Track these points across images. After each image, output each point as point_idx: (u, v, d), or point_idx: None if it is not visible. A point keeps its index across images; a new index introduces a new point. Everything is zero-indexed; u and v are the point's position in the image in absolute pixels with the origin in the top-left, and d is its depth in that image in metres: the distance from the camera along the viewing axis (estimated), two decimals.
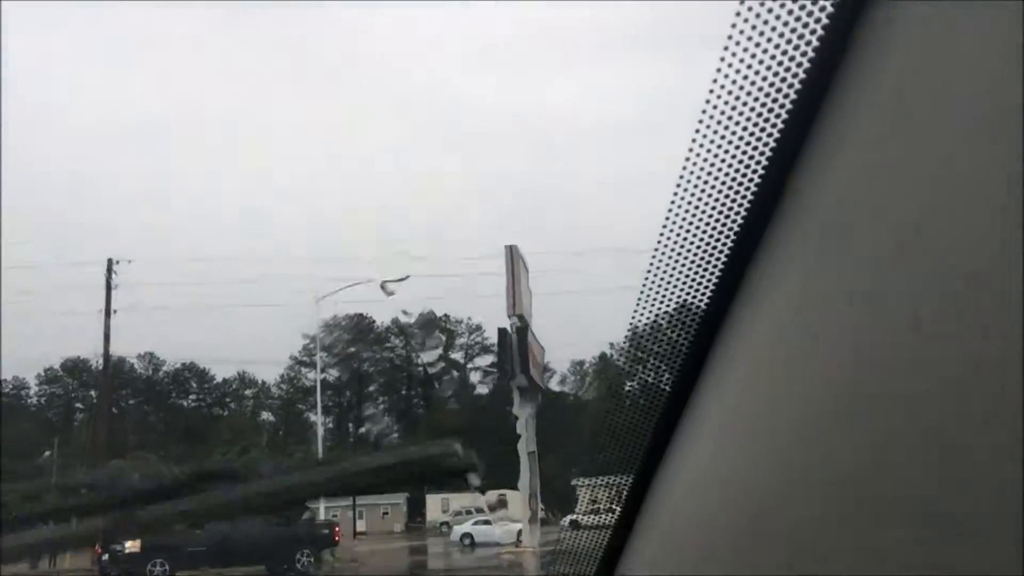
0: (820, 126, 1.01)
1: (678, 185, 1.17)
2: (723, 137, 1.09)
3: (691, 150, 1.12)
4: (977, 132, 0.71)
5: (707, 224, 1.23)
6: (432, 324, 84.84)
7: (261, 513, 24.63)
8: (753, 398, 1.16)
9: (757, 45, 1.03)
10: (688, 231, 1.26)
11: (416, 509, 72.51)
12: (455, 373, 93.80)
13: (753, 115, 1.07)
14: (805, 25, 0.99)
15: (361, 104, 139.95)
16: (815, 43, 0.99)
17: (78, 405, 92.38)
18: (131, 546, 23.51)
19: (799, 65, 1.02)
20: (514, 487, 63.65)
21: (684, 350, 1.44)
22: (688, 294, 1.33)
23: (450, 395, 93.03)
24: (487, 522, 44.13)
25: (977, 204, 0.70)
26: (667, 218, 1.25)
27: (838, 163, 0.97)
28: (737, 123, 1.07)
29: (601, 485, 1.86)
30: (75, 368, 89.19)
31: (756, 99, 1.06)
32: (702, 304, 1.32)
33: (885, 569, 0.83)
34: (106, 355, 36.93)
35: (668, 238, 1.27)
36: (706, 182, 1.16)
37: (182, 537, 23.95)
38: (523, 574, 26.36)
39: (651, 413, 1.65)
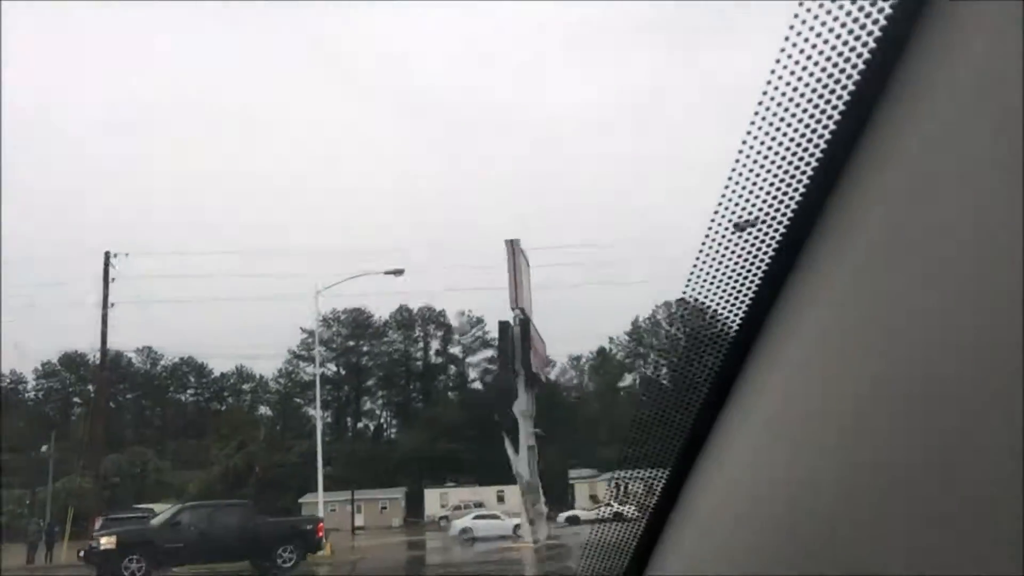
0: (872, 133, 0.99)
1: (729, 178, 1.17)
2: (773, 139, 1.11)
3: (740, 152, 1.15)
4: None
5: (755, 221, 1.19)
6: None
7: None
8: (796, 397, 1.14)
9: (813, 47, 1.01)
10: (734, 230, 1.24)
11: (414, 504, 72.49)
12: (454, 367, 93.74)
13: (803, 121, 1.06)
14: (862, 26, 0.96)
15: (361, 99, 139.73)
16: (871, 44, 0.96)
17: (76, 399, 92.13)
18: (106, 543, 23.13)
19: (853, 67, 0.99)
20: (512, 482, 63.89)
21: (726, 347, 1.38)
22: (733, 292, 1.30)
23: (449, 389, 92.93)
24: (487, 516, 43.93)
25: None
26: (715, 211, 1.21)
27: (889, 171, 0.95)
28: (789, 124, 1.09)
29: (634, 479, 1.75)
30: (73, 362, 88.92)
31: (804, 110, 1.05)
32: (746, 302, 1.28)
33: (926, 570, 0.85)
34: (103, 349, 36.58)
35: (715, 231, 1.24)
36: (758, 175, 1.16)
37: (158, 533, 23.72)
38: (523, 570, 26.12)
39: (689, 408, 1.54)
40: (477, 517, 43.98)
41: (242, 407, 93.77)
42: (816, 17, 0.98)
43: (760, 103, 1.07)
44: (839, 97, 1.02)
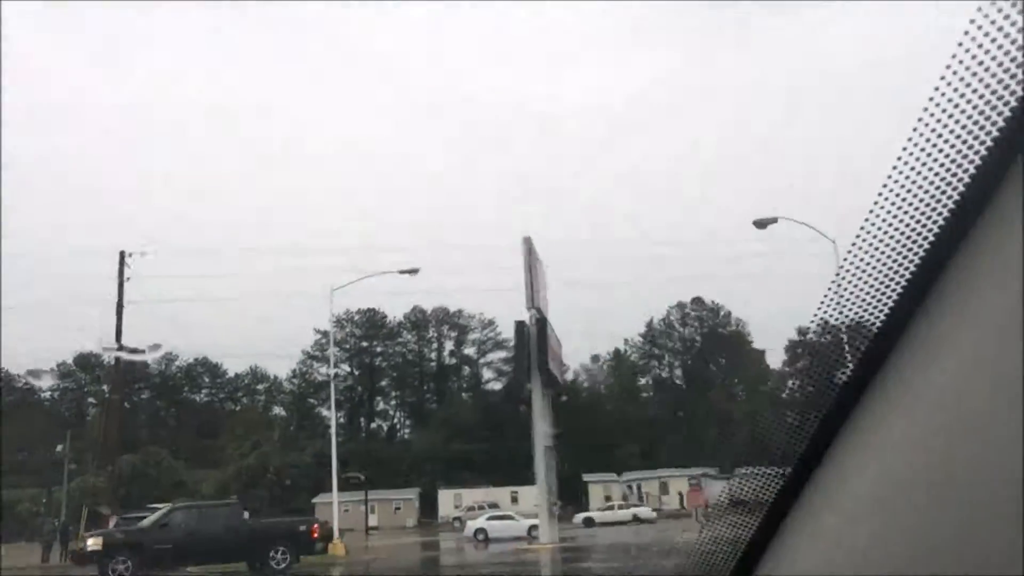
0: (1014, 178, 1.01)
1: (888, 177, 1.20)
2: (923, 164, 1.15)
3: (900, 155, 1.18)
4: None
5: (905, 227, 1.23)
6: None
7: None
8: (930, 405, 1.17)
9: (967, 85, 1.02)
10: (885, 236, 1.27)
11: (428, 504, 72.27)
12: (467, 368, 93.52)
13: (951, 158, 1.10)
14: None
15: (377, 99, 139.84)
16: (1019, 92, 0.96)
17: (91, 400, 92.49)
18: (93, 544, 22.77)
19: (999, 114, 1.00)
20: (526, 483, 63.62)
21: (860, 356, 1.39)
22: (873, 299, 1.32)
23: (463, 390, 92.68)
24: (501, 517, 43.62)
25: None
26: (862, 227, 1.26)
27: None
28: (936, 160, 1.11)
29: (749, 479, 1.78)
30: (87, 362, 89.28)
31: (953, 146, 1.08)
32: (884, 311, 1.31)
33: None
34: (118, 347, 36.54)
35: (864, 240, 1.28)
36: (915, 182, 1.20)
37: (146, 534, 23.30)
38: (540, 571, 25.79)
39: (815, 412, 1.55)
40: (491, 518, 43.69)
41: (256, 407, 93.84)
42: (974, 56, 0.98)
43: (909, 138, 1.09)
44: (987, 133, 1.03)
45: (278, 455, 70.92)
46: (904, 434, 1.21)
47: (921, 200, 1.16)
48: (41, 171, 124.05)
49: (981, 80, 0.98)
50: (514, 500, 65.34)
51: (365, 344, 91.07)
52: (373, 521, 64.28)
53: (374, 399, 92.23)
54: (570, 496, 59.44)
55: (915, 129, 1.10)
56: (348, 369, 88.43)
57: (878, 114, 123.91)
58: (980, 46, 0.98)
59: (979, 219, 1.08)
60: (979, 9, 1.05)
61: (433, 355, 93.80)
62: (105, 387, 77.90)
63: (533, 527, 37.61)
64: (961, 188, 1.09)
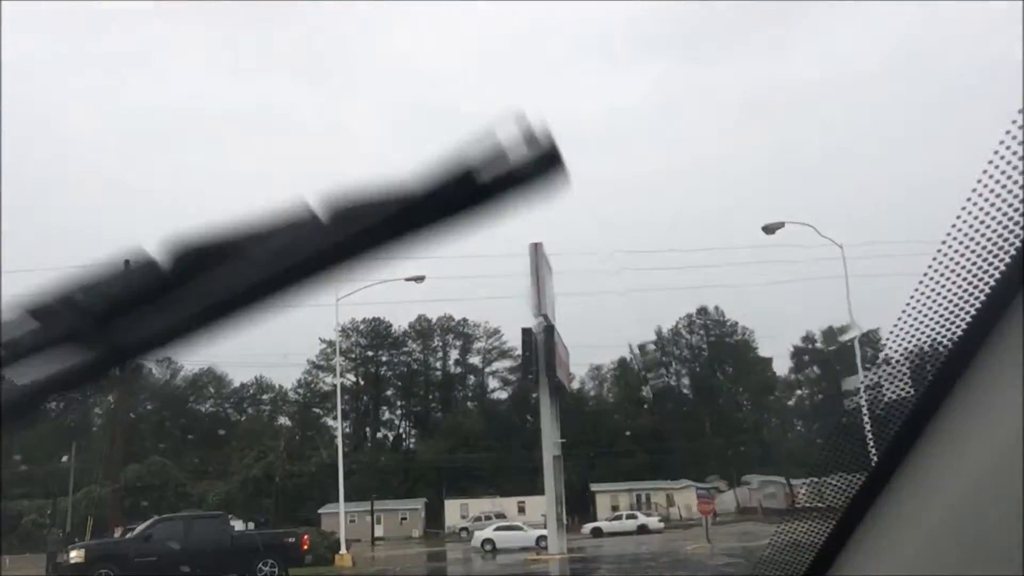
0: None
1: (984, 173, 1.21)
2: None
3: (990, 160, 1.21)
4: None
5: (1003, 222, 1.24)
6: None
7: None
8: (1016, 409, 1.19)
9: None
10: (982, 227, 1.26)
11: (434, 514, 71.85)
12: (473, 377, 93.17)
13: None
14: None
15: (380, 103, 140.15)
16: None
17: (96, 411, 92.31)
18: (75, 556, 22.33)
19: None
20: (533, 492, 63.23)
21: (941, 363, 1.39)
22: (958, 305, 1.33)
23: (468, 399, 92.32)
24: (509, 527, 43.25)
25: None
26: (949, 232, 1.27)
27: None
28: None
29: (825, 482, 1.73)
30: None
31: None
32: (967, 319, 1.32)
33: None
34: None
35: (955, 237, 1.28)
36: (1004, 186, 1.23)
37: (129, 547, 22.92)
38: None
39: (894, 417, 1.53)
40: (499, 528, 43.31)
41: (262, 417, 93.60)
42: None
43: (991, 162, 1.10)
44: None
45: (284, 465, 70.65)
46: (987, 442, 1.21)
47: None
48: (41, 177, 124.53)
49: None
50: (521, 510, 64.92)
51: (370, 353, 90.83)
52: (379, 532, 63.89)
53: (379, 409, 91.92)
54: (577, 506, 59.03)
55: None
56: (353, 379, 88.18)
57: (883, 118, 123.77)
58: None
59: None
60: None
61: (438, 364, 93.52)
62: (110, 398, 77.81)
63: (541, 537, 37.24)
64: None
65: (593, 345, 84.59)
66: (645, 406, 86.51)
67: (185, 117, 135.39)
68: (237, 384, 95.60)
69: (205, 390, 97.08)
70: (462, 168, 0.93)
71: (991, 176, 1.10)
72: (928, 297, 1.33)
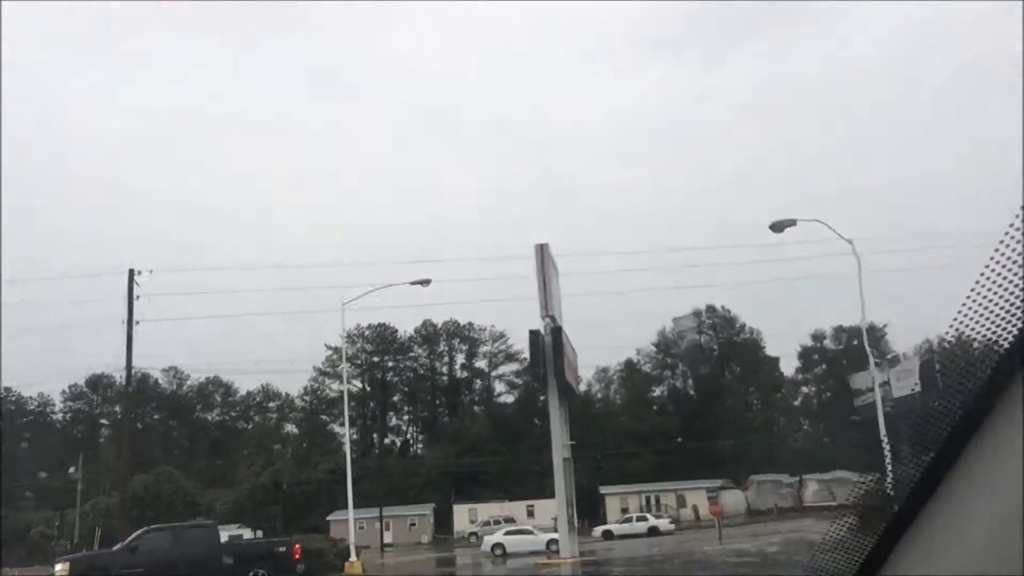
0: None
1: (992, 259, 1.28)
2: None
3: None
4: None
5: None
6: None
7: None
8: None
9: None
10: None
11: (443, 519, 71.52)
12: (479, 381, 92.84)
13: None
14: None
15: (385, 110, 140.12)
16: None
17: (103, 421, 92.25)
18: (60, 569, 21.93)
19: None
20: (542, 496, 62.84)
21: (992, 366, 1.46)
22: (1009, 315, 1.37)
23: (475, 403, 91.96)
24: (519, 531, 42.92)
25: None
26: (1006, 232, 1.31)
27: None
28: None
29: (876, 484, 2.03)
30: (99, 383, 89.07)
31: None
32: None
33: None
34: (128, 367, 36.09)
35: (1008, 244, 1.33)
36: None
37: (116, 558, 22.44)
38: None
39: (950, 420, 1.60)
40: (509, 532, 42.97)
41: (268, 425, 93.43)
42: None
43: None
44: None
45: (291, 473, 70.44)
46: None
47: None
48: (49, 189, 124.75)
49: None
50: (530, 514, 64.59)
51: (376, 359, 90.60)
52: (388, 538, 63.57)
53: (386, 414, 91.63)
54: (586, 509, 58.65)
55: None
56: (360, 385, 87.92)
57: (889, 118, 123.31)
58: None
59: None
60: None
61: (445, 369, 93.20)
62: (117, 408, 77.69)
63: (552, 541, 36.91)
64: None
65: (598, 347, 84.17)
66: (654, 407, 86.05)
67: (185, 119, 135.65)
68: (244, 392, 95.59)
69: (212, 399, 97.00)
70: None
71: (996, 262, 1.16)
72: (983, 297, 1.32)
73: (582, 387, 66.67)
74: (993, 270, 1.23)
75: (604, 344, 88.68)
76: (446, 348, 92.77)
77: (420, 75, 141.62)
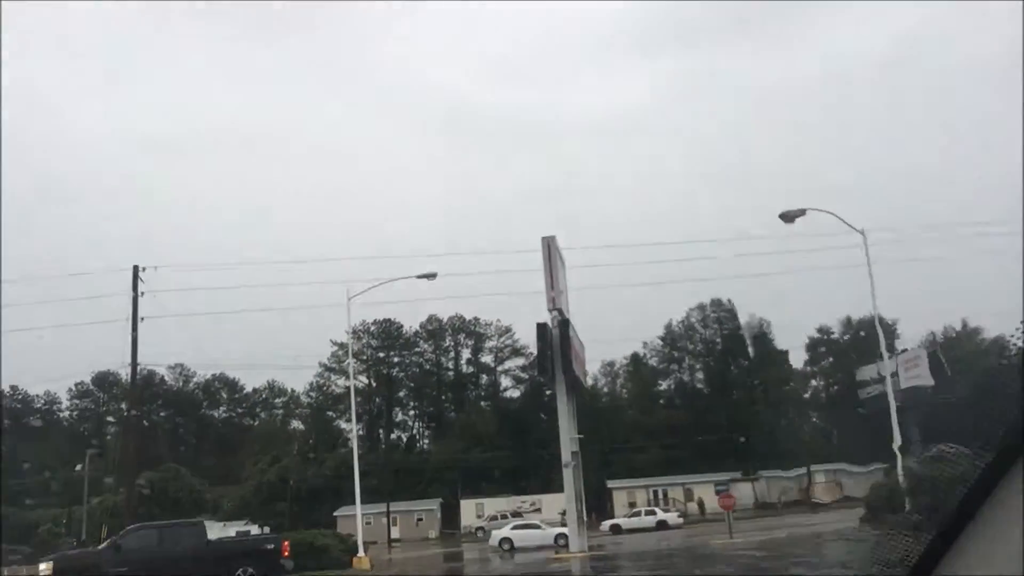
0: None
1: None
2: None
3: None
4: None
5: None
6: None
7: None
8: None
9: None
10: None
11: (450, 515, 71.41)
12: (485, 376, 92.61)
13: None
14: None
15: (383, 106, 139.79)
16: None
17: (109, 418, 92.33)
18: (44, 568, 21.67)
19: None
20: (550, 491, 62.64)
21: None
22: None
23: (481, 398, 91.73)
24: (526, 526, 42.71)
25: None
26: None
27: None
28: None
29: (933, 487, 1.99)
30: (105, 381, 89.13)
31: None
32: None
33: None
34: (134, 364, 35.90)
35: None
36: None
37: (100, 557, 22.17)
38: None
39: (1003, 424, 1.71)
40: (516, 527, 42.76)
41: (275, 422, 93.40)
42: None
43: None
44: None
45: (298, 469, 70.34)
46: None
47: None
48: (54, 188, 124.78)
49: None
50: (537, 509, 64.45)
51: (382, 355, 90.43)
52: (395, 533, 63.47)
53: (392, 410, 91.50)
54: (594, 503, 58.44)
55: None
56: (365, 380, 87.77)
57: (893, 111, 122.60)
58: None
59: None
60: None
61: (450, 364, 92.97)
62: (123, 405, 77.66)
63: (560, 535, 36.69)
64: None
65: (604, 340, 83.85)
66: (660, 401, 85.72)
67: (192, 118, 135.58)
68: (249, 389, 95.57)
69: (218, 396, 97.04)
70: None
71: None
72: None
73: (588, 381, 66.41)
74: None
75: (610, 338, 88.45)
76: (452, 343, 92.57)
77: (423, 73, 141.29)
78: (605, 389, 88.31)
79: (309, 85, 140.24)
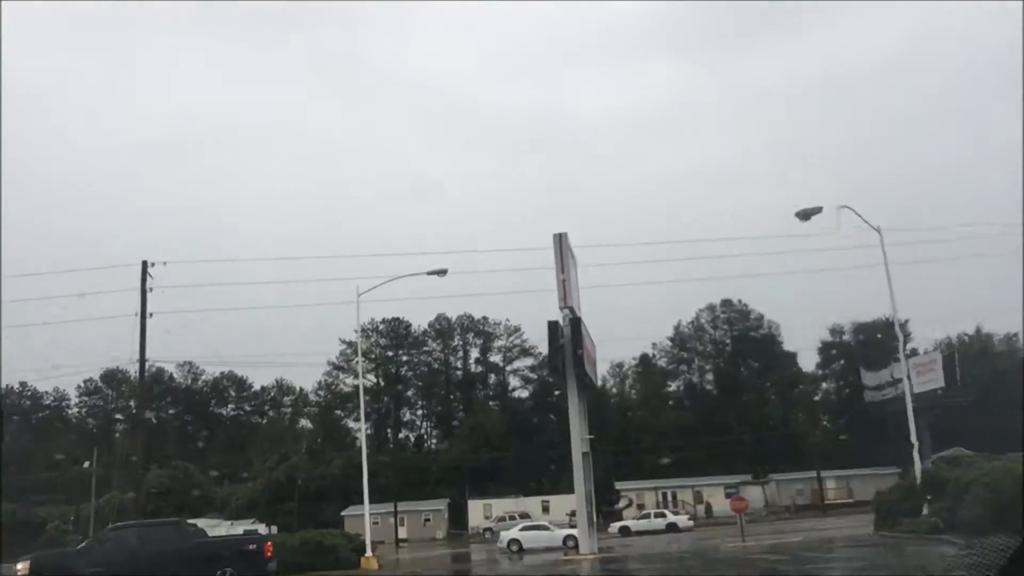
0: None
1: None
2: None
3: None
4: None
5: None
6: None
7: None
8: None
9: None
10: None
11: (458, 515, 71.08)
12: (494, 376, 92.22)
13: None
14: None
15: (390, 104, 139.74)
16: None
17: (118, 416, 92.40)
18: (21, 568, 21.26)
19: None
20: (558, 491, 62.23)
21: None
22: None
23: (490, 398, 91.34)
24: (535, 527, 42.33)
25: None
26: None
27: None
28: None
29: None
30: (114, 378, 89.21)
31: None
32: None
33: None
34: (142, 361, 35.66)
35: None
36: None
37: (79, 558, 21.83)
38: None
39: None
40: (525, 528, 42.40)
41: (283, 420, 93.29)
42: None
43: None
44: None
45: (306, 468, 70.17)
46: None
47: None
48: (63, 181, 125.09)
49: None
50: (545, 509, 64.09)
51: (390, 354, 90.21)
52: (402, 533, 63.18)
53: (400, 409, 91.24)
54: (604, 504, 58.05)
55: None
56: (374, 379, 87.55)
57: (901, 111, 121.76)
58: None
59: None
60: None
61: (459, 363, 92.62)
62: (132, 403, 77.61)
63: (568, 537, 36.32)
64: None
65: (613, 340, 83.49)
66: (669, 402, 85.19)
67: (201, 114, 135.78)
68: (258, 387, 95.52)
69: (226, 394, 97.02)
70: None
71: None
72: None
73: (598, 382, 65.96)
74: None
75: (618, 339, 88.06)
76: (460, 342, 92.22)
77: (429, 72, 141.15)
78: (614, 390, 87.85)
79: (310, 84, 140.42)
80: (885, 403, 62.70)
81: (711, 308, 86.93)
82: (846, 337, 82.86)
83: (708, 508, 65.71)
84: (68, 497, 68.12)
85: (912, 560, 19.38)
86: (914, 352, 67.12)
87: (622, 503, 66.78)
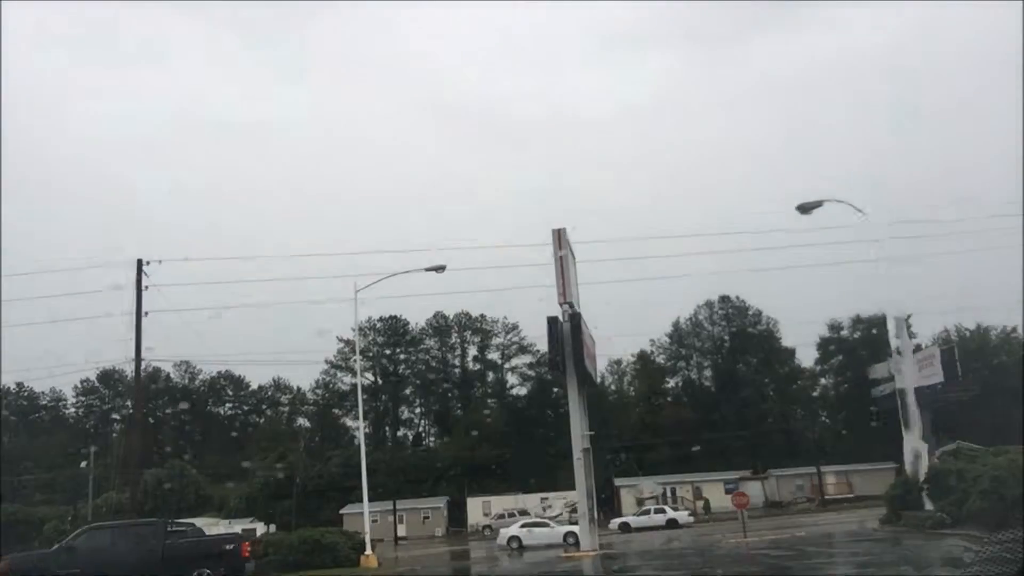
0: None
1: None
2: None
3: None
4: None
5: None
6: None
7: None
8: None
9: None
10: None
11: (457, 512, 70.94)
12: (492, 373, 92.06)
13: None
14: None
15: (393, 100, 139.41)
16: None
17: (115, 416, 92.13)
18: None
19: None
20: (557, 488, 62.13)
21: None
22: None
23: (488, 396, 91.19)
24: (535, 524, 42.15)
25: None
26: None
27: None
28: None
29: None
30: (110, 378, 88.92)
31: None
32: None
33: None
34: (138, 360, 35.44)
35: None
36: None
37: (52, 559, 21.52)
38: None
39: None
40: (525, 525, 42.20)
41: (280, 419, 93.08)
42: None
43: None
44: None
45: (304, 466, 69.99)
46: None
47: None
48: (59, 182, 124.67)
49: None
50: (548, 506, 63.98)
51: (388, 352, 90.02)
52: (401, 531, 63.06)
53: (399, 407, 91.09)
54: (603, 500, 57.94)
55: None
56: (372, 377, 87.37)
57: (902, 108, 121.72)
58: None
59: None
60: None
61: (457, 361, 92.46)
62: (128, 402, 77.41)
63: (569, 534, 36.17)
64: None
65: (610, 337, 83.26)
66: (668, 399, 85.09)
67: (199, 113, 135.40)
68: (255, 386, 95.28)
69: (223, 393, 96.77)
70: None
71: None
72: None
73: (597, 378, 65.78)
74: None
75: (617, 335, 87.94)
76: (458, 340, 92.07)
77: (428, 70, 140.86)
78: (612, 387, 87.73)
79: (310, 83, 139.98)
80: (885, 398, 62.56)
81: (709, 304, 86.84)
82: (844, 332, 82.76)
83: (707, 504, 65.64)
84: (66, 497, 67.88)
85: (918, 554, 19.23)
86: (918, 348, 67.03)
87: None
